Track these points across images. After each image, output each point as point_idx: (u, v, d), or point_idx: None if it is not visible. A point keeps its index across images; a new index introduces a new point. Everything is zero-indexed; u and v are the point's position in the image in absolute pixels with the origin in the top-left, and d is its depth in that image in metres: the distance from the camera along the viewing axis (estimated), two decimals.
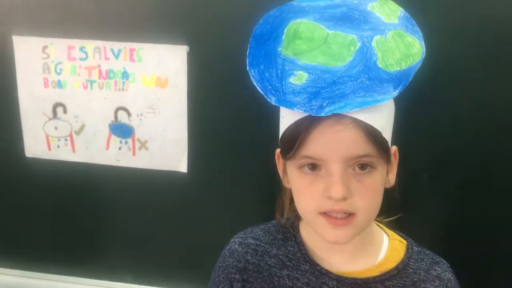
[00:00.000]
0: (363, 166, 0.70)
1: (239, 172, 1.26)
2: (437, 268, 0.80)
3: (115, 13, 1.21)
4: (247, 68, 0.72)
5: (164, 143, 1.28)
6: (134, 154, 1.30)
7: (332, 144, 0.68)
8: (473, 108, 1.12)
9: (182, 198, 1.31)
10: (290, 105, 0.68)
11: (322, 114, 0.67)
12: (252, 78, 0.71)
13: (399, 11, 0.77)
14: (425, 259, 0.81)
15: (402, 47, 0.72)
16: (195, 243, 1.32)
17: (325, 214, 0.71)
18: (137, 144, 1.29)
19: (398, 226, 0.87)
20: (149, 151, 1.29)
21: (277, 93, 0.69)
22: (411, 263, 0.80)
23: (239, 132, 1.23)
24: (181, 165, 1.28)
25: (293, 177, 0.75)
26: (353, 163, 0.69)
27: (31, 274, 1.45)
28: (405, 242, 0.84)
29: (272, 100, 0.70)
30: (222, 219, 1.28)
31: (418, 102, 1.07)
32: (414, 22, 0.76)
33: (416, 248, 0.83)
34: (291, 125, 0.71)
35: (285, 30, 0.74)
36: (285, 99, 0.69)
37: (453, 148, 1.15)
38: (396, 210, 0.85)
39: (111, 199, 1.35)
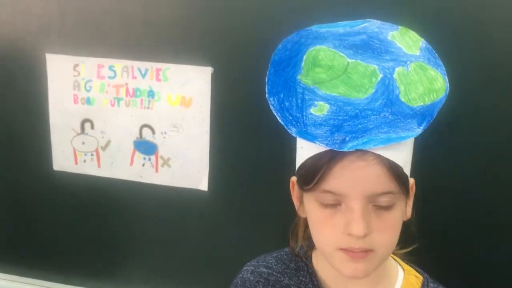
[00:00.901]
0: (384, 204, 0.68)
1: (259, 192, 1.27)
2: None
3: (143, 34, 1.25)
4: (267, 96, 0.71)
5: (186, 161, 1.30)
6: (157, 170, 1.33)
7: (354, 180, 0.67)
8: (492, 139, 1.10)
9: (202, 216, 1.32)
10: (312, 138, 0.67)
11: (345, 149, 0.65)
12: (271, 107, 0.70)
13: (421, 42, 0.75)
14: None
15: (425, 81, 0.70)
16: (214, 260, 1.33)
17: (344, 249, 0.69)
18: (160, 161, 1.32)
19: (413, 259, 0.86)
20: (171, 168, 1.32)
21: (298, 124, 0.68)
22: None
23: (260, 153, 1.25)
24: (202, 183, 1.30)
25: (312, 209, 0.73)
26: (374, 199, 0.67)
27: (54, 285, 1.49)
28: (421, 277, 0.82)
29: (293, 132, 0.68)
30: (241, 238, 1.29)
31: (437, 134, 1.05)
32: (436, 54, 0.74)
33: (432, 285, 0.81)
34: (311, 157, 0.70)
35: (304, 57, 0.73)
36: (306, 131, 0.67)
37: (472, 180, 1.13)
38: (412, 242, 0.84)
39: (133, 214, 1.38)
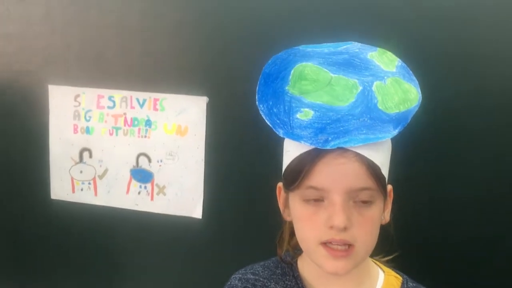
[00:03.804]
0: (364, 200, 0.72)
1: (253, 220, 1.28)
2: None
3: (141, 66, 1.31)
4: (257, 103, 0.76)
5: (181, 189, 1.32)
6: (152, 199, 1.35)
7: (336, 175, 0.71)
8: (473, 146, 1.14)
9: (196, 244, 1.33)
10: (297, 138, 0.72)
11: (328, 147, 0.70)
12: (261, 112, 0.75)
13: (397, 61, 0.83)
14: None
15: (400, 93, 0.76)
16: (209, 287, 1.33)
17: (325, 245, 0.72)
18: (156, 189, 1.34)
19: (396, 266, 0.87)
20: (167, 196, 1.34)
21: (285, 127, 0.73)
22: None
23: (254, 181, 1.27)
24: (196, 211, 1.32)
25: (296, 207, 0.76)
26: (355, 195, 0.71)
27: None
28: (400, 278, 0.84)
29: (280, 133, 0.73)
30: (235, 265, 1.29)
31: (413, 144, 1.11)
32: (410, 71, 0.81)
33: (411, 284, 0.83)
34: (297, 157, 0.74)
35: (292, 71, 0.79)
36: (293, 132, 0.72)
37: (446, 187, 1.16)
38: (392, 246, 0.85)
39: (129, 242, 1.39)
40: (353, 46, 0.85)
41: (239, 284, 0.86)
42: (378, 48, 0.85)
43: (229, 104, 1.26)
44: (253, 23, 1.22)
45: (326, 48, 0.85)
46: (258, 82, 0.79)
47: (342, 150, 0.71)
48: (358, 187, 0.71)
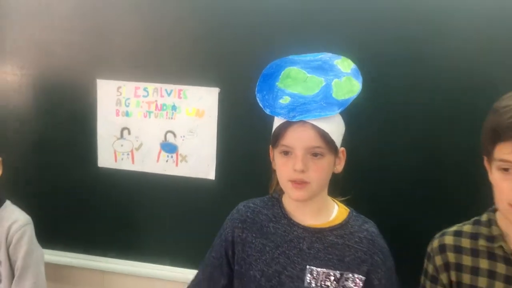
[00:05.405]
0: (316, 154, 1.13)
1: (254, 180, 1.65)
2: (366, 225, 1.22)
3: (169, 65, 1.73)
4: (256, 93, 1.19)
5: (199, 158, 1.75)
6: (177, 165, 1.78)
7: (298, 138, 1.13)
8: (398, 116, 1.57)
9: (210, 198, 1.76)
10: (277, 114, 1.15)
11: (294, 120, 1.12)
12: (257, 99, 1.18)
13: (352, 65, 1.22)
14: (359, 219, 1.24)
15: (349, 86, 1.17)
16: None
17: (292, 182, 1.14)
18: (179, 158, 1.77)
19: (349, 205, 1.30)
20: (188, 163, 1.77)
21: (271, 108, 1.17)
22: (350, 221, 1.22)
23: (254, 150, 1.66)
24: (210, 174, 1.75)
25: (277, 159, 1.19)
26: (310, 151, 1.13)
27: (95, 258, 1.92)
28: (348, 209, 1.26)
29: (267, 111, 1.16)
30: None
31: (364, 118, 1.54)
32: (359, 72, 1.21)
33: (355, 213, 1.25)
34: (277, 126, 1.17)
35: (282, 73, 1.21)
36: (275, 111, 1.16)
37: (389, 150, 1.59)
38: (341, 189, 1.27)
39: (159, 199, 1.82)
40: (326, 56, 1.24)
41: (243, 209, 1.30)
42: (342, 57, 1.24)
43: (235, 93, 1.69)
44: (257, 32, 1.64)
45: (308, 57, 1.25)
46: (259, 80, 1.21)
47: (303, 122, 1.12)
48: (313, 146, 1.13)
